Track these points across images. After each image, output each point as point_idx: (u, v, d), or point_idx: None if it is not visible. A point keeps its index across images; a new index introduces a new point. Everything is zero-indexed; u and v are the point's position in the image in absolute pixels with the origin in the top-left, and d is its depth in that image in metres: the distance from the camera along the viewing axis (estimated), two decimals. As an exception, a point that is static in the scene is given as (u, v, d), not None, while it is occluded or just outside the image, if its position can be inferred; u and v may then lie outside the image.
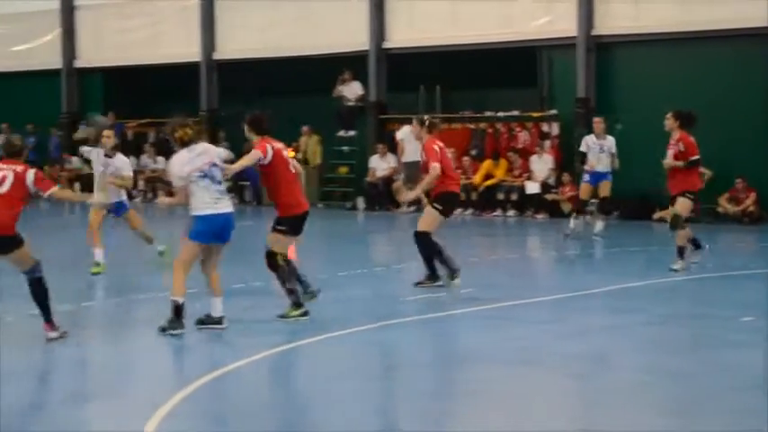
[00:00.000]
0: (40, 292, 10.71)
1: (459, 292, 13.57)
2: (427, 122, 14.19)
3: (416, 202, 14.19)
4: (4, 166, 10.69)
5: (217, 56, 31.42)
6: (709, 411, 8.11)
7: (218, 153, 11.36)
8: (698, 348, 10.49)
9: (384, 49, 28.77)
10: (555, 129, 26.17)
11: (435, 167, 13.71)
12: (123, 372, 9.81)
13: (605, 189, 20.96)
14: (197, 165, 11.07)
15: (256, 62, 30.52)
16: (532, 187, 25.56)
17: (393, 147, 27.38)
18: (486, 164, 26.37)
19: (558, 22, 26.28)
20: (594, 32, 25.81)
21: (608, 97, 25.72)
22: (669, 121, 15.57)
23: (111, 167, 15.49)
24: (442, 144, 14.14)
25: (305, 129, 29.41)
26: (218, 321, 11.24)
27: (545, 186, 25.48)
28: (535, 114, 26.40)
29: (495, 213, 25.85)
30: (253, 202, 29.77)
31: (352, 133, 29.23)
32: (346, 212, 27.70)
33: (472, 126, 27.67)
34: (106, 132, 15.76)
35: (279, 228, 12.03)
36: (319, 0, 29.53)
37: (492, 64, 27.08)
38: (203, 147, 11.29)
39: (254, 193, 29.97)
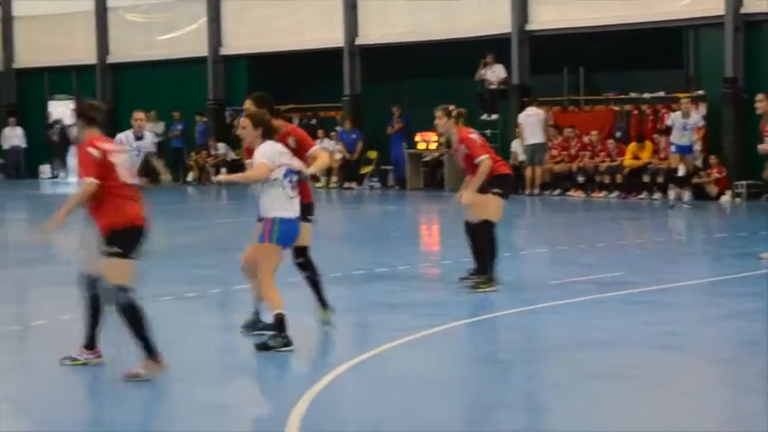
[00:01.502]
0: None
1: (605, 276, 13.38)
2: (455, 113, 13.01)
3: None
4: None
5: (360, 41, 31.56)
6: None
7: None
8: None
9: (527, 31, 28.57)
10: (702, 109, 25.67)
11: (484, 161, 12.56)
12: (274, 354, 9.94)
13: (689, 164, 23.59)
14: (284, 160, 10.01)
15: (399, 46, 30.59)
16: (678, 169, 25.14)
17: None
18: (632, 146, 26.01)
19: (704, 1, 25.80)
20: (743, 11, 25.27)
21: (756, 77, 25.15)
22: (762, 104, 14.75)
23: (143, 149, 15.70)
24: (473, 130, 13.15)
25: (448, 112, 29.37)
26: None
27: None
28: (681, 95, 25.93)
29: (640, 196, 25.51)
30: (396, 187, 29.87)
31: (494, 117, 29.12)
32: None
33: (616, 108, 27.35)
34: (138, 115, 15.85)
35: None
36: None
37: (637, 44, 26.70)
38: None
39: (396, 178, 30.07)
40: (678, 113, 23.41)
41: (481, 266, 12.67)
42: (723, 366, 9.21)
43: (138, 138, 15.65)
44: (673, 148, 23.56)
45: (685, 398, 8.04)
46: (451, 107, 13.04)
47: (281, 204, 9.85)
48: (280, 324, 9.65)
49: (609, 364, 9.21)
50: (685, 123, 23.11)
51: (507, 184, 13.00)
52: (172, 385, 8.62)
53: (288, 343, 9.64)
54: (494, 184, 12.73)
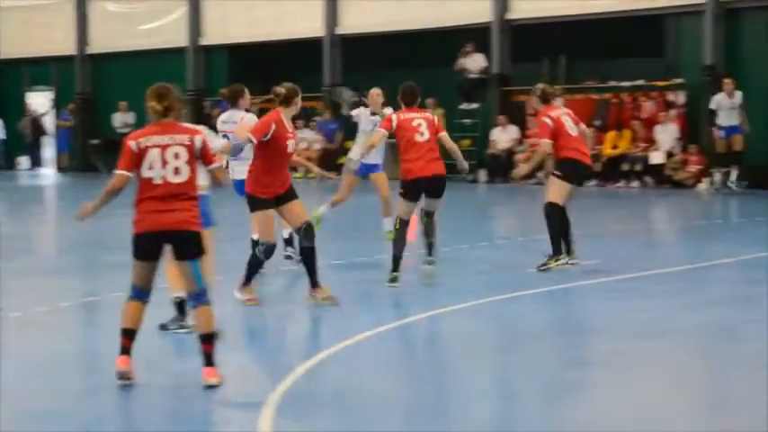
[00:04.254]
0: None
1: (583, 264, 13.36)
2: (540, 92, 13.47)
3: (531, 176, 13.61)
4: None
5: (340, 30, 31.51)
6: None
7: None
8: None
9: (507, 20, 28.57)
10: (681, 98, 25.74)
11: (542, 144, 13.21)
12: (251, 340, 9.90)
13: (738, 143, 23.46)
14: None
15: (380, 36, 30.54)
16: (657, 157, 25.19)
17: (516, 119, 27.38)
18: (611, 135, 26.04)
19: (686, -11, 25.85)
20: (723, -1, 25.34)
21: (736, 65, 25.20)
22: None
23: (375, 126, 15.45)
24: (561, 112, 13.38)
25: (429, 101, 29.34)
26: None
27: (670, 156, 25.14)
28: (660, 83, 25.98)
29: (618, 184, 25.55)
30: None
31: (474, 106, 29.11)
32: (468, 185, 27.59)
33: (596, 96, 27.35)
34: (375, 91, 15.62)
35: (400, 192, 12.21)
36: (441, -28, 29.45)
37: (617, 33, 26.74)
38: None
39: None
40: (721, 95, 23.65)
41: (553, 246, 13.07)
42: (700, 354, 9.21)
43: (374, 114, 15.45)
44: (721, 133, 23.70)
45: (664, 385, 8.02)
46: (540, 85, 13.70)
47: None
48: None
49: (586, 352, 9.22)
50: (732, 103, 23.47)
51: (567, 167, 13.21)
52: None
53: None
54: (556, 166, 13.34)
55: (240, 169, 12.60)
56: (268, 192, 10.88)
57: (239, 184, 12.41)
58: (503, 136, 27.84)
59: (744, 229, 17.63)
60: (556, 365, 8.76)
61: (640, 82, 26.50)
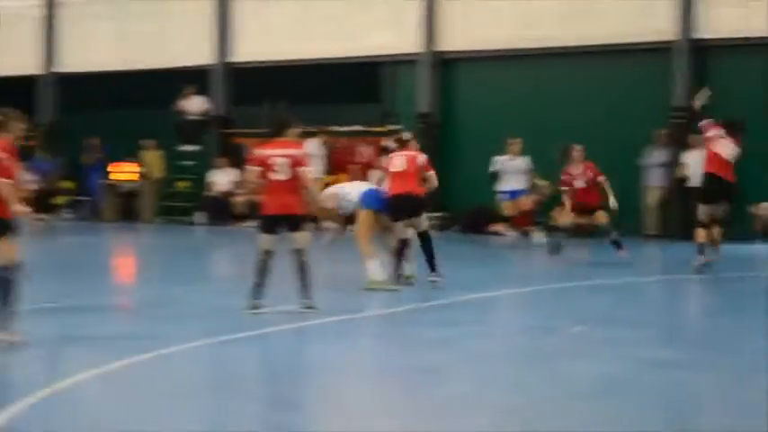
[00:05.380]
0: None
1: (301, 306, 13.42)
2: (395, 139, 16.27)
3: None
4: None
5: (58, 68, 30.87)
6: (545, 420, 8.12)
7: None
8: (532, 359, 10.56)
9: (229, 63, 28.62)
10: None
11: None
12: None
13: (525, 203, 22.49)
14: None
15: (100, 75, 30.09)
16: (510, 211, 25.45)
17: (236, 161, 27.37)
18: (327, 179, 26.33)
19: (402, 38, 26.48)
20: (437, 49, 26.07)
21: (451, 112, 25.96)
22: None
23: None
24: (399, 154, 15.46)
25: (148, 143, 29.06)
26: None
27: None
28: (377, 129, 26.49)
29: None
30: (91, 218, 29.26)
31: (195, 147, 28.98)
32: (185, 228, 27.40)
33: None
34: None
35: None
36: (165, 14, 29.28)
37: (338, 79, 27.16)
38: None
39: (92, 209, 29.46)
40: (505, 157, 22.31)
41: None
42: (408, 393, 9.32)
43: None
44: (506, 196, 22.32)
45: (375, 427, 8.10)
46: (400, 134, 16.27)
47: None
48: None
49: (297, 393, 9.24)
50: (516, 166, 22.13)
51: (390, 205, 15.40)
52: None
53: None
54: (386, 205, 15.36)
55: None
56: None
57: None
58: (222, 178, 27.79)
59: (454, 273, 18.05)
60: (263, 408, 8.75)
61: (358, 127, 26.99)
